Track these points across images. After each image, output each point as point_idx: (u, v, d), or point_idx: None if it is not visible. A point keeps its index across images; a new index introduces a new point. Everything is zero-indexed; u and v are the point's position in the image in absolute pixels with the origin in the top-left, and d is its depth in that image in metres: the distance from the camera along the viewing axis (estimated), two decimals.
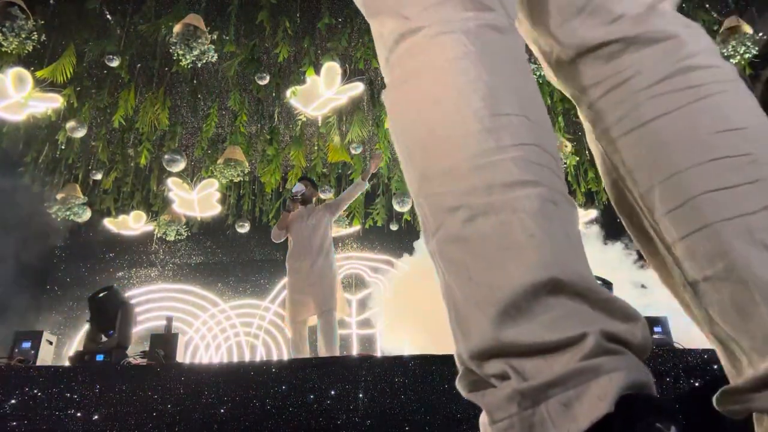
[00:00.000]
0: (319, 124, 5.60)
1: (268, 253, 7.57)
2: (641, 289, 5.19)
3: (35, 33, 3.73)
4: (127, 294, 7.03)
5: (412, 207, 5.99)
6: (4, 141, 5.54)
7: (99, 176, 6.09)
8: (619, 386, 0.44)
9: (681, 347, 2.55)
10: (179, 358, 3.01)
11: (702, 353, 2.22)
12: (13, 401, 2.26)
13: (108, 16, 4.75)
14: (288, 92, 4.89)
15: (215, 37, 4.18)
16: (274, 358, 6.91)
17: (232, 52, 4.76)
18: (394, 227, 6.73)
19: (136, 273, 7.63)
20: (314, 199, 4.56)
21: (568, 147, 5.17)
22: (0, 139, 5.46)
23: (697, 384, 2.14)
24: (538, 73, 3.65)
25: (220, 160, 4.98)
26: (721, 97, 0.62)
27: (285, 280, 4.67)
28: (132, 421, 2.19)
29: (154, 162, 6.18)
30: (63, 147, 5.70)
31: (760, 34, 4.28)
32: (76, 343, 6.95)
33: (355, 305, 6.99)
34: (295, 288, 4.20)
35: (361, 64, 4.87)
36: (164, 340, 3.02)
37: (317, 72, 4.69)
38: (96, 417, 2.22)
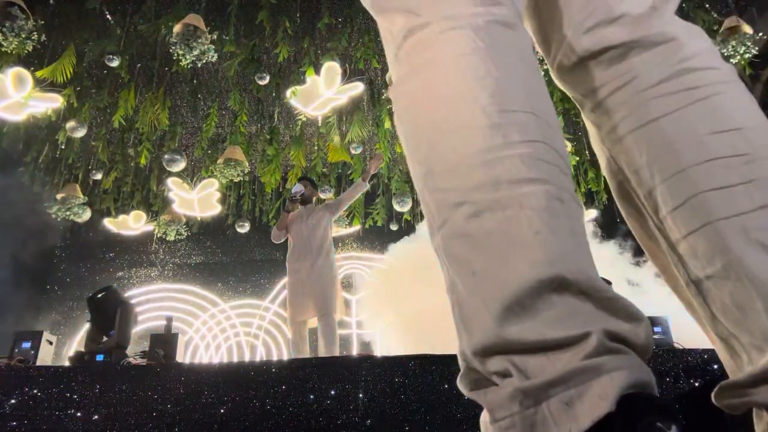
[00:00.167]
0: (319, 124, 5.60)
1: (268, 253, 7.57)
2: (635, 288, 5.19)
3: (35, 33, 3.73)
4: (127, 294, 7.03)
5: (412, 207, 6.00)
6: (4, 141, 5.54)
7: (99, 176, 6.09)
8: (620, 386, 0.44)
9: (681, 347, 2.55)
10: (179, 358, 3.01)
11: (702, 353, 2.22)
12: (13, 401, 2.26)
13: (108, 16, 4.75)
14: (288, 92, 4.89)
15: (215, 37, 4.18)
16: (274, 358, 6.91)
17: (232, 52, 4.76)
18: (394, 227, 6.73)
19: (136, 273, 7.63)
20: (314, 199, 4.56)
21: (568, 147, 5.18)
22: (0, 139, 5.46)
23: (697, 384, 2.14)
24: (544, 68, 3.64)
25: (220, 160, 4.98)
26: (720, 98, 0.63)
27: (285, 280, 4.67)
28: (132, 421, 2.19)
29: (154, 162, 6.18)
30: (63, 147, 5.70)
31: (760, 34, 4.28)
32: (76, 343, 6.95)
33: (355, 305, 6.98)
34: (295, 289, 4.20)
35: (361, 64, 4.87)
36: (164, 340, 3.02)
37: (317, 72, 4.69)
38: (96, 417, 2.22)
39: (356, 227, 6.56)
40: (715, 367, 2.17)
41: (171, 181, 5.76)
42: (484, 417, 0.51)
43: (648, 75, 0.66)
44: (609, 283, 3.17)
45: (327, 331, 3.98)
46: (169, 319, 3.40)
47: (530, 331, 0.47)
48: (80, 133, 4.97)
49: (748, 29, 3.94)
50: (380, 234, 7.13)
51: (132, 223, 6.40)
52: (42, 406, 2.25)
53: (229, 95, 5.35)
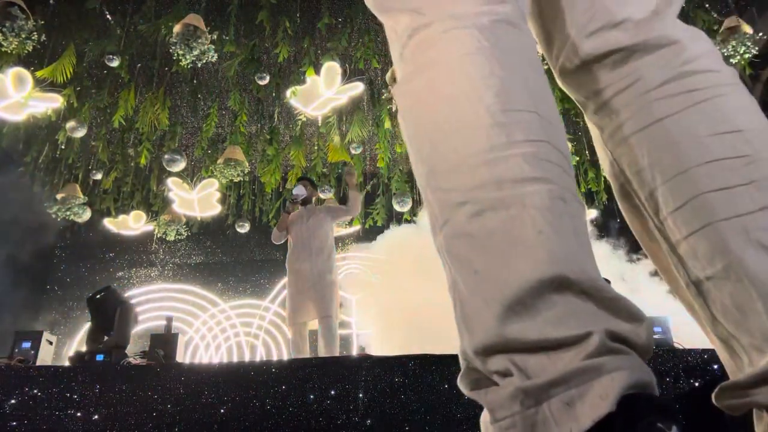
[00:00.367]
0: (319, 124, 5.60)
1: (268, 253, 7.57)
2: (627, 287, 5.21)
3: (35, 33, 3.72)
4: (127, 294, 7.03)
5: (412, 207, 5.99)
6: (4, 141, 5.53)
7: (99, 176, 6.08)
8: (621, 386, 0.44)
9: (681, 347, 2.55)
10: (179, 358, 3.01)
11: (702, 353, 2.22)
12: (13, 401, 2.26)
13: (108, 16, 4.75)
14: (288, 92, 4.89)
15: (215, 37, 4.17)
16: (274, 358, 6.91)
17: (232, 52, 4.76)
18: (394, 227, 6.73)
19: (136, 273, 7.63)
20: (314, 199, 4.56)
21: (569, 147, 5.17)
22: (0, 139, 5.46)
23: (697, 384, 2.14)
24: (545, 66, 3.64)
25: (220, 160, 4.98)
26: (721, 100, 0.63)
27: (285, 280, 4.67)
28: (132, 421, 2.19)
29: (154, 162, 6.18)
30: (63, 147, 5.69)
31: (760, 34, 4.28)
32: (76, 343, 6.95)
33: (355, 305, 6.98)
34: (296, 290, 4.20)
35: (361, 64, 4.87)
36: (164, 340, 3.02)
37: (317, 72, 4.68)
38: (96, 417, 2.22)
39: (356, 227, 6.55)
40: (715, 367, 2.17)
41: (171, 181, 5.76)
42: (485, 417, 0.51)
43: (650, 77, 0.66)
44: (608, 282, 3.18)
45: (327, 334, 3.98)
46: (169, 319, 3.40)
47: (531, 331, 0.47)
48: (80, 133, 4.96)
49: (748, 29, 3.94)
50: (380, 234, 7.13)
51: (132, 223, 6.40)
52: (42, 406, 2.25)
53: (229, 95, 5.35)
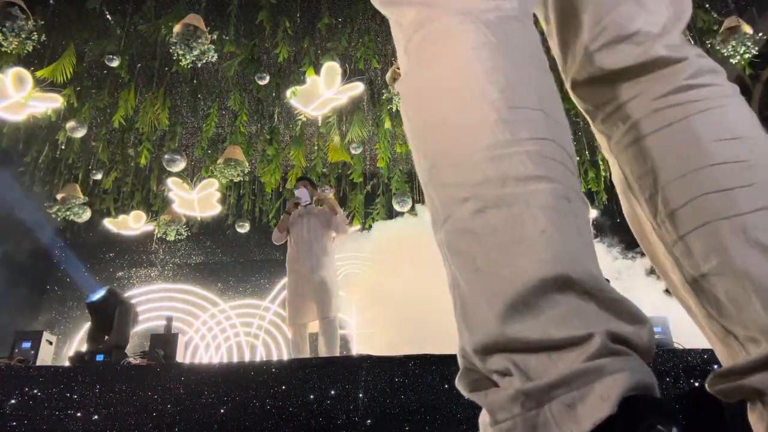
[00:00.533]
0: (319, 124, 5.60)
1: (268, 253, 7.56)
2: (622, 285, 5.21)
3: (35, 33, 3.72)
4: (127, 294, 7.03)
5: (412, 207, 5.99)
6: (4, 141, 5.53)
7: (99, 176, 6.09)
8: (622, 387, 0.43)
9: (681, 347, 2.55)
10: (179, 358, 3.01)
11: (702, 353, 2.23)
12: (13, 401, 2.26)
13: (108, 16, 4.75)
14: (288, 92, 4.89)
15: (215, 37, 4.17)
16: (274, 358, 6.91)
17: (232, 52, 4.76)
18: None
19: (136, 273, 7.63)
20: (314, 200, 4.55)
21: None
22: (0, 139, 5.46)
23: (697, 384, 2.14)
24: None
25: (220, 160, 4.98)
26: (722, 110, 0.65)
27: (285, 280, 4.67)
28: (132, 421, 2.19)
29: (154, 162, 6.18)
30: (63, 147, 5.69)
31: (760, 34, 4.27)
32: (76, 343, 6.95)
33: (355, 305, 6.98)
34: (296, 291, 4.19)
35: (361, 64, 4.87)
36: (164, 340, 3.02)
37: (317, 72, 4.68)
38: (96, 417, 2.22)
39: (356, 227, 6.55)
40: (715, 367, 2.17)
41: (171, 181, 5.76)
42: (483, 418, 0.51)
43: (655, 89, 0.68)
44: (607, 281, 3.18)
45: (327, 336, 3.98)
46: (169, 319, 3.40)
47: (533, 330, 0.47)
48: (80, 133, 4.96)
49: (748, 29, 3.94)
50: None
51: (132, 223, 6.40)
52: (42, 406, 2.25)
53: (229, 95, 5.35)
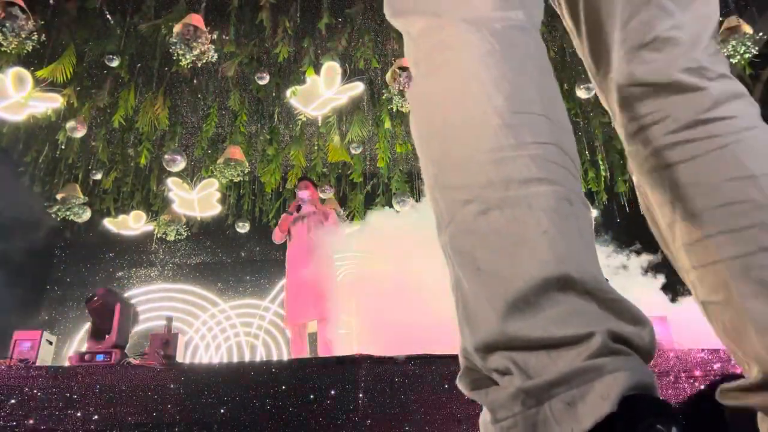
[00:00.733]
0: (319, 124, 5.60)
1: (268, 253, 7.56)
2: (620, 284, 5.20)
3: (35, 33, 3.72)
4: (127, 294, 7.03)
5: (413, 207, 5.99)
6: (4, 141, 5.53)
7: (99, 176, 6.08)
8: (622, 386, 0.44)
9: (681, 347, 2.54)
10: (179, 358, 3.01)
11: (702, 353, 2.22)
12: (13, 401, 2.26)
13: (108, 16, 4.75)
14: (288, 92, 4.89)
15: (215, 37, 4.17)
16: (274, 358, 6.91)
17: (232, 52, 4.75)
18: None
19: (136, 273, 7.63)
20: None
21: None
22: (0, 139, 5.46)
23: (697, 384, 2.14)
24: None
25: (220, 160, 4.98)
26: (736, 146, 0.68)
27: (285, 280, 4.67)
28: (132, 421, 2.19)
29: (154, 162, 6.18)
30: (63, 147, 5.69)
31: (760, 34, 4.27)
32: (76, 343, 6.95)
33: (354, 305, 6.97)
34: (295, 291, 4.19)
35: (361, 64, 4.87)
36: (164, 340, 3.01)
37: (317, 72, 4.68)
38: (96, 417, 2.22)
39: (356, 227, 6.55)
40: (716, 367, 2.17)
41: (171, 181, 5.76)
42: (484, 417, 0.51)
43: (675, 117, 0.71)
44: (606, 281, 3.19)
45: (326, 333, 3.99)
46: (169, 319, 3.39)
47: (534, 328, 0.48)
48: (80, 133, 4.96)
49: (748, 29, 3.94)
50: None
51: (132, 223, 6.40)
52: (42, 406, 2.25)
53: (229, 95, 5.35)
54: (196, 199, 5.82)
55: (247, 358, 6.94)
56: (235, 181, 5.26)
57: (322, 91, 4.67)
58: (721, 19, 4.31)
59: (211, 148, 6.08)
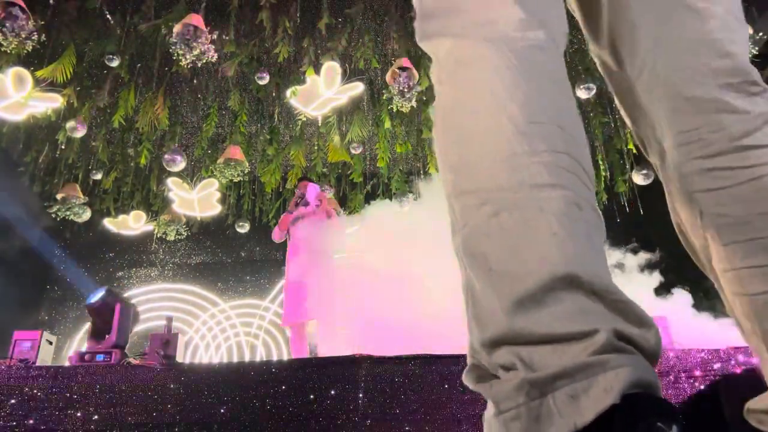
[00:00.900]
0: (319, 124, 5.60)
1: (268, 253, 7.56)
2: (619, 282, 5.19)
3: (35, 33, 3.72)
4: (127, 294, 7.03)
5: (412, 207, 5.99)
6: (4, 141, 5.53)
7: (99, 176, 6.08)
8: (625, 381, 0.44)
9: (681, 347, 2.54)
10: (179, 358, 3.01)
11: (702, 353, 2.22)
12: (13, 401, 2.26)
13: (108, 16, 4.75)
14: (288, 92, 4.88)
15: (215, 37, 4.17)
16: (274, 358, 6.91)
17: (232, 52, 4.75)
18: None
19: (136, 273, 7.63)
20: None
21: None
22: (0, 139, 5.46)
23: (696, 384, 2.14)
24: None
25: (220, 160, 4.98)
26: None
27: (285, 280, 4.67)
28: (132, 421, 2.19)
29: (154, 162, 6.18)
30: (63, 147, 5.69)
31: (760, 34, 4.28)
32: (76, 343, 6.95)
33: (354, 305, 6.97)
34: (294, 290, 4.19)
35: (361, 64, 4.87)
36: (164, 340, 3.01)
37: (317, 72, 4.68)
38: (96, 417, 2.22)
39: (356, 227, 6.55)
40: (716, 367, 2.17)
41: (171, 181, 5.76)
42: (487, 412, 0.52)
43: (708, 141, 0.72)
44: None
45: (326, 333, 3.98)
46: (169, 319, 3.39)
47: (539, 324, 0.49)
48: (80, 133, 4.96)
49: (748, 29, 3.93)
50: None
51: (132, 223, 6.40)
52: (42, 406, 2.25)
53: (229, 95, 5.35)
54: (196, 199, 5.82)
55: (247, 358, 6.94)
56: (235, 181, 5.26)
57: (322, 91, 4.67)
58: None
59: (211, 148, 6.07)
